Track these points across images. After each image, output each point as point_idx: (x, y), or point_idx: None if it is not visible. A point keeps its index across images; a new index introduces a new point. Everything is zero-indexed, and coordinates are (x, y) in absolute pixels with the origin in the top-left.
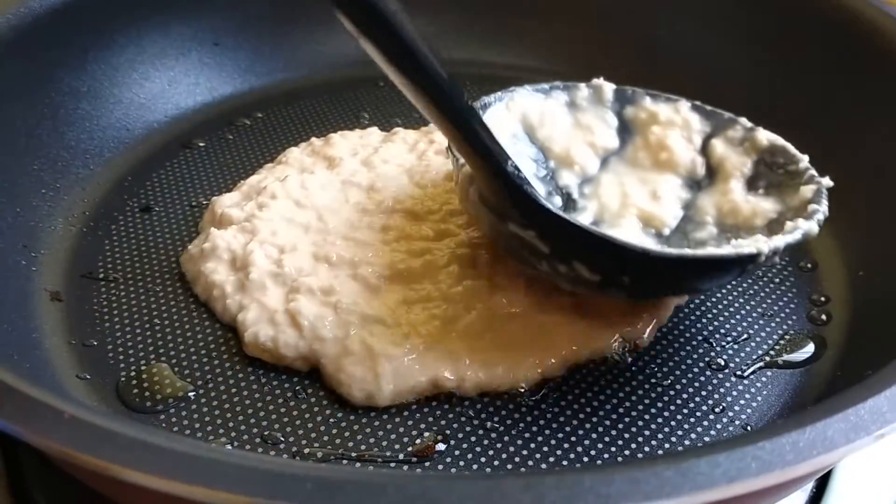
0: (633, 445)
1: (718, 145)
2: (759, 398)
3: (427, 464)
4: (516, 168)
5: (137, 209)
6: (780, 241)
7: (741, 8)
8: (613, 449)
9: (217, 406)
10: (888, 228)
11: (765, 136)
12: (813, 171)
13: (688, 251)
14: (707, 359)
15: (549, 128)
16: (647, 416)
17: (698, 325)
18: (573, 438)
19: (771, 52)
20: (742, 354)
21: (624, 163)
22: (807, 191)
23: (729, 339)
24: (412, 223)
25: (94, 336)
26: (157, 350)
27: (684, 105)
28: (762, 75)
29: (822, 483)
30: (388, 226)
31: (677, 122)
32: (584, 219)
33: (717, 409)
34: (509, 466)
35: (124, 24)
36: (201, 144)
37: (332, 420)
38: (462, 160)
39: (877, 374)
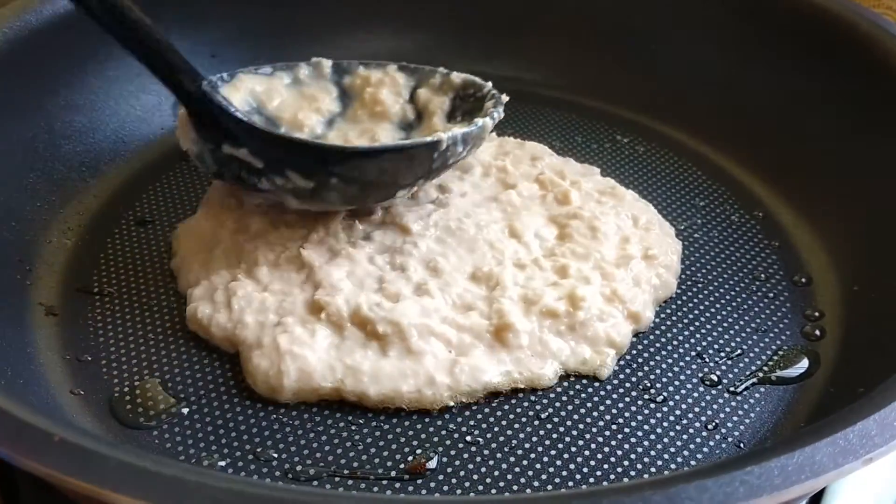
0: (626, 462)
1: (423, 93)
2: (753, 414)
3: (419, 481)
4: (212, 86)
5: (133, 222)
6: (457, 130)
7: (740, 22)
8: (606, 466)
9: (210, 423)
10: (883, 244)
11: (457, 76)
12: (494, 91)
13: (377, 144)
14: (700, 374)
15: (277, 100)
16: (640, 433)
17: (692, 341)
18: (566, 455)
19: (769, 65)
20: (735, 370)
21: (347, 121)
22: (488, 105)
23: (722, 354)
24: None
25: (88, 351)
26: (150, 366)
27: (392, 67)
28: (761, 89)
29: (817, 498)
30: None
31: (386, 82)
32: None
33: (709, 426)
34: (501, 484)
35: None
36: None
37: (324, 437)
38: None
39: (866, 395)
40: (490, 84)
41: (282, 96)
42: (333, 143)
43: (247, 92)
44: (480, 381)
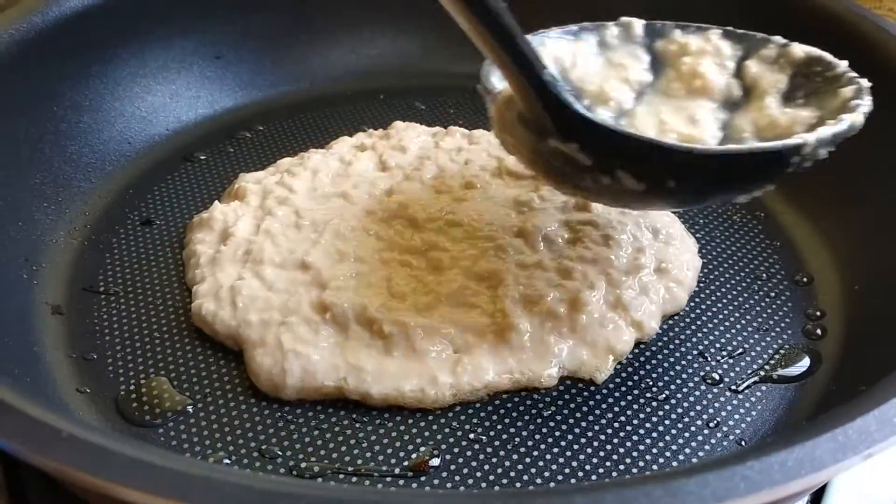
0: (628, 460)
1: (752, 66)
2: (754, 413)
3: (422, 478)
4: (553, 77)
5: (138, 222)
6: (824, 131)
7: (742, 23)
8: (608, 463)
9: (215, 420)
10: (884, 243)
11: (800, 49)
12: (852, 73)
13: (732, 146)
14: (702, 373)
15: (582, 68)
16: (641, 431)
17: (693, 340)
18: (568, 453)
19: None
20: (737, 369)
21: (658, 94)
22: (846, 91)
23: (724, 353)
24: (406, 231)
25: (94, 349)
26: (156, 364)
27: (715, 33)
28: None
29: (818, 494)
30: (380, 234)
31: (708, 51)
32: None
33: (711, 424)
34: (504, 481)
35: (126, 39)
36: (202, 157)
37: (328, 435)
38: (498, 88)
39: (866, 392)
40: (846, 63)
41: (587, 63)
42: (681, 144)
43: (550, 58)
44: (482, 381)
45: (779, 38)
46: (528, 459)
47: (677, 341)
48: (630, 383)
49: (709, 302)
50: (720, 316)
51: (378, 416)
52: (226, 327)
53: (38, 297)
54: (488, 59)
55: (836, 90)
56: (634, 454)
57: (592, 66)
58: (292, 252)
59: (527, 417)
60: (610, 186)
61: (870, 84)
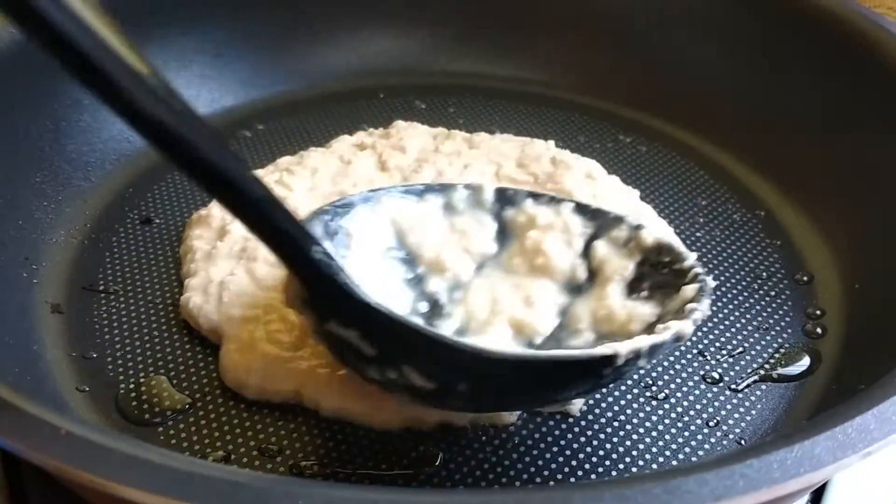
0: (627, 459)
1: (601, 247)
2: (754, 412)
3: (422, 477)
4: (327, 255)
5: (138, 221)
6: (643, 341)
7: (743, 21)
8: (608, 462)
9: (215, 419)
10: (884, 241)
11: (650, 235)
12: (699, 270)
13: (530, 352)
14: (702, 372)
15: (421, 233)
16: (641, 430)
17: (693, 339)
18: (567, 452)
19: (771, 67)
20: (737, 368)
21: (500, 268)
22: (689, 290)
23: (724, 352)
24: None
25: (93, 348)
26: (156, 362)
27: (567, 207)
28: (762, 89)
29: (819, 493)
30: None
31: (557, 226)
32: (449, 326)
33: (711, 423)
34: (504, 480)
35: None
36: None
37: (328, 433)
38: None
39: (866, 390)
40: (694, 257)
41: (427, 228)
42: (469, 343)
43: (388, 219)
44: (433, 415)
45: (631, 220)
46: (527, 458)
47: None
48: (629, 382)
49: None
50: (720, 315)
51: None
52: (208, 321)
53: (37, 296)
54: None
55: (679, 287)
56: (634, 453)
57: (433, 230)
58: None
59: (526, 416)
60: (397, 381)
61: (713, 284)
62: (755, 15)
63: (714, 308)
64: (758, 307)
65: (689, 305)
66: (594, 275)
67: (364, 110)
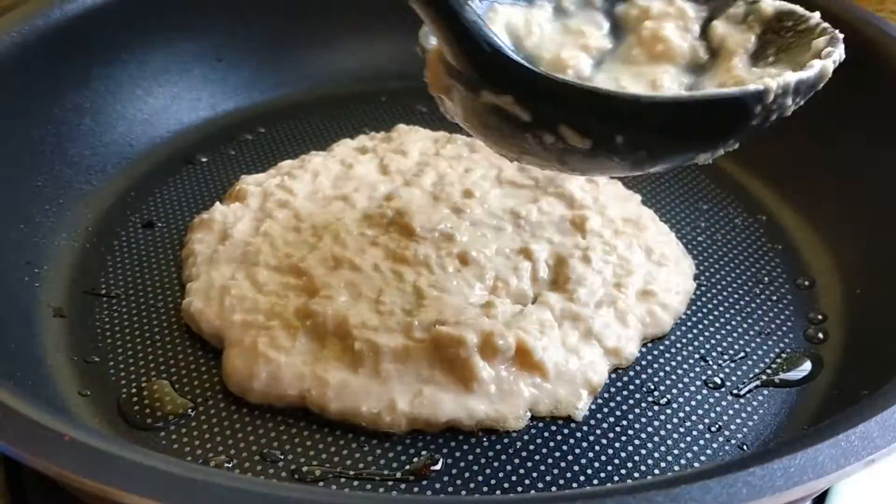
0: (630, 464)
1: (719, 26)
2: (756, 417)
3: (424, 483)
4: (478, 18)
5: (140, 225)
6: (789, 76)
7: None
8: (610, 468)
9: (217, 423)
10: (886, 246)
11: (769, 5)
12: (825, 25)
13: (683, 93)
14: (704, 377)
15: (537, 36)
16: (643, 435)
17: (695, 343)
18: (570, 458)
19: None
20: (739, 373)
21: (618, 61)
22: (819, 42)
23: (726, 357)
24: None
25: (95, 352)
26: (158, 367)
27: None
28: None
29: (821, 499)
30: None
31: (671, 13)
32: None
33: (713, 428)
34: (506, 486)
35: (127, 41)
36: (204, 160)
37: (329, 438)
38: (433, 46)
39: (869, 397)
40: (818, 15)
41: (542, 30)
42: (625, 92)
43: (502, 26)
44: (439, 417)
45: None
46: (529, 464)
47: (679, 345)
48: (631, 387)
49: (710, 305)
50: (721, 320)
51: None
52: (210, 326)
53: (39, 300)
54: None
55: (808, 43)
56: (636, 458)
57: (548, 34)
58: (289, 256)
59: (529, 421)
60: (554, 145)
61: (842, 35)
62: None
63: (715, 313)
64: (759, 312)
65: (826, 50)
66: (716, 53)
67: (365, 114)
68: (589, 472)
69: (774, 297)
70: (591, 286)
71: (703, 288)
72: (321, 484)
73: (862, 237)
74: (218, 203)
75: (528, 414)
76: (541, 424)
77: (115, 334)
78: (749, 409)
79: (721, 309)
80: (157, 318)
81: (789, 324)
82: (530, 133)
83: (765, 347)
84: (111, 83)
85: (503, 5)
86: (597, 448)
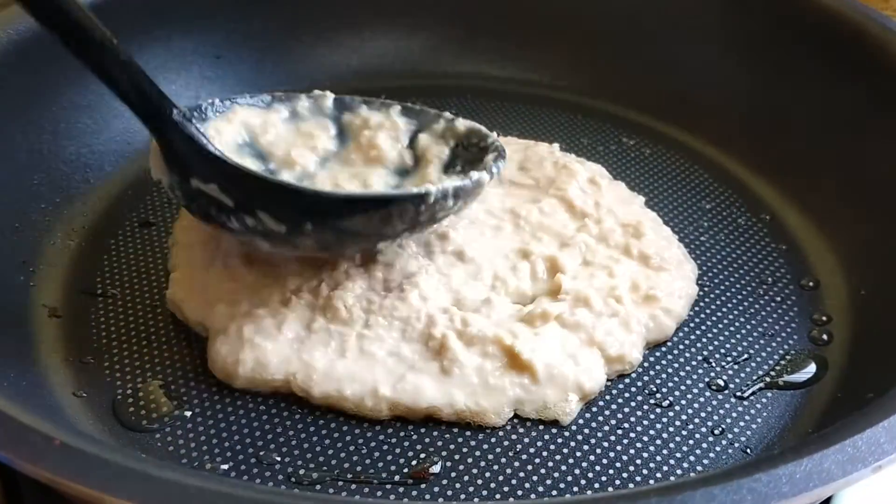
0: (632, 467)
1: (423, 138)
2: (760, 419)
3: (422, 486)
4: (185, 116)
5: (137, 224)
6: (448, 183)
7: (748, 24)
8: (611, 471)
9: (213, 426)
10: (891, 246)
11: (462, 124)
12: (498, 143)
13: (358, 191)
14: (707, 379)
15: (272, 135)
16: (645, 438)
17: (698, 345)
18: (570, 460)
19: (772, 69)
20: (742, 375)
21: (340, 163)
22: (489, 158)
23: (729, 359)
24: None
25: (91, 353)
26: (153, 368)
27: (395, 109)
28: (768, 92)
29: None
30: None
31: (386, 125)
32: None
33: (716, 431)
34: (505, 489)
35: (126, 38)
36: None
37: (327, 441)
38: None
39: (875, 402)
40: (495, 135)
41: (277, 130)
42: (307, 186)
43: (240, 124)
44: (420, 404)
45: (448, 115)
46: (529, 467)
47: (682, 346)
48: (634, 389)
49: (714, 306)
50: (725, 321)
51: (378, 422)
52: (194, 314)
53: (35, 300)
54: None
55: (484, 156)
56: (638, 461)
57: (282, 133)
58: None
59: (528, 424)
60: (255, 227)
61: (503, 149)
62: (761, 17)
63: (718, 314)
64: (763, 313)
65: (489, 165)
66: (418, 161)
67: None
68: (590, 475)
69: (778, 298)
70: (591, 291)
71: (706, 289)
72: (318, 487)
73: (866, 238)
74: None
75: (511, 412)
76: (541, 427)
77: (111, 335)
78: (753, 411)
79: (724, 310)
80: (154, 319)
81: (793, 325)
82: (234, 216)
83: (769, 349)
84: None
85: (242, 106)
86: (598, 451)
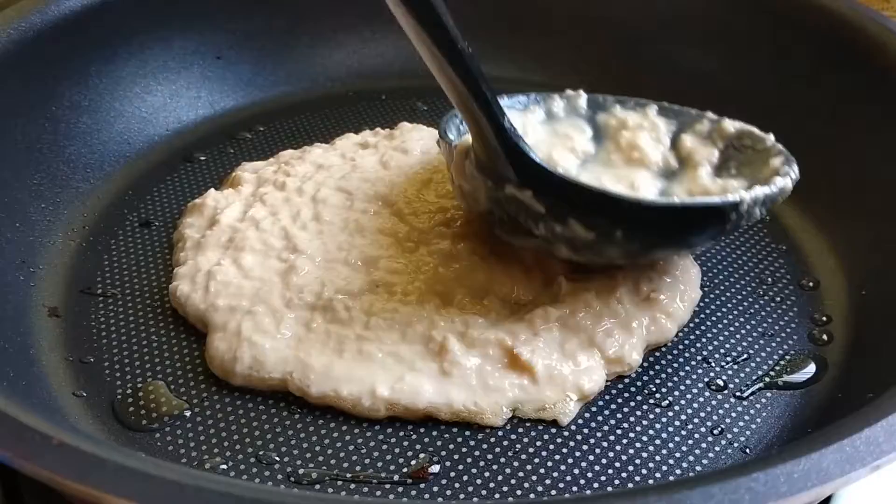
0: (631, 467)
1: (687, 140)
2: (759, 419)
3: (422, 486)
4: (513, 126)
5: (137, 224)
6: (759, 191)
7: (749, 26)
8: (610, 470)
9: (212, 425)
10: (891, 247)
11: (730, 125)
12: (779, 146)
13: (675, 199)
14: (706, 379)
15: (532, 136)
16: (644, 438)
17: (698, 345)
18: (570, 460)
19: (773, 70)
20: (742, 375)
21: (600, 164)
22: (775, 161)
23: (728, 359)
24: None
25: (91, 353)
26: (153, 368)
27: (652, 109)
28: (763, 92)
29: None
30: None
31: (645, 126)
32: None
33: (715, 431)
34: (504, 489)
35: (126, 38)
36: (202, 158)
37: (326, 441)
38: (455, 140)
39: (873, 402)
40: (772, 137)
41: (536, 132)
42: (629, 195)
43: None
44: (418, 405)
45: (711, 115)
46: (528, 466)
47: (681, 346)
48: (633, 389)
49: (713, 306)
50: (725, 321)
51: (377, 421)
52: (195, 310)
53: (35, 300)
54: (449, 113)
55: (766, 160)
56: (637, 461)
57: (541, 135)
58: (281, 226)
59: (527, 424)
60: (562, 234)
61: (788, 153)
62: (763, 20)
63: (718, 314)
64: (763, 313)
65: (783, 170)
66: (684, 163)
67: (366, 112)
68: (589, 475)
69: (778, 298)
70: (591, 293)
71: (706, 289)
72: (318, 487)
73: (867, 238)
74: (212, 189)
75: (509, 412)
76: (540, 427)
77: (111, 334)
78: (752, 411)
79: (724, 310)
80: (154, 319)
81: (793, 325)
82: (543, 223)
83: (768, 349)
84: (109, 81)
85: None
86: (597, 451)
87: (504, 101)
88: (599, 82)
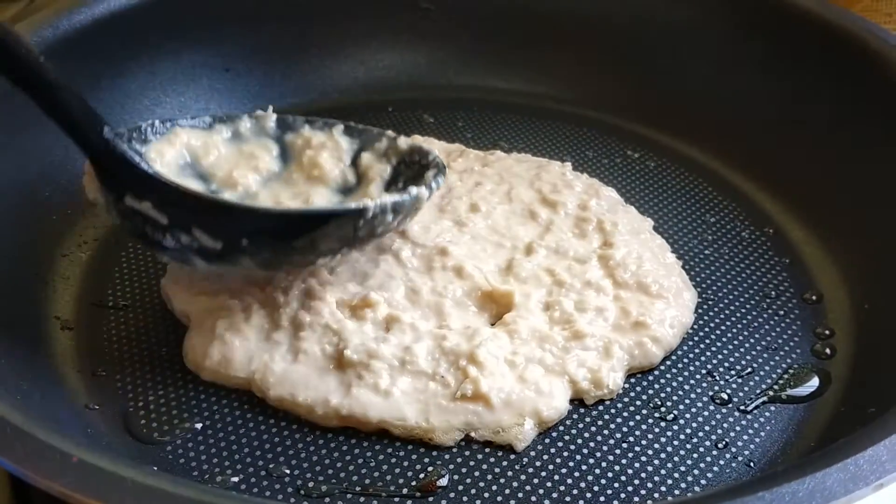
0: (636, 481)
1: (366, 157)
2: (763, 433)
3: (430, 499)
4: (117, 134)
5: None
6: (387, 199)
7: (752, 37)
8: (616, 484)
9: (223, 439)
10: (894, 261)
11: (404, 142)
12: (439, 159)
13: (293, 207)
14: (710, 393)
15: (214, 156)
16: (650, 451)
17: (702, 359)
18: (576, 474)
19: (776, 82)
20: (746, 388)
21: (281, 182)
22: (430, 173)
23: (732, 372)
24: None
25: (103, 365)
26: (165, 380)
27: (338, 128)
28: (772, 106)
29: None
30: None
31: (328, 145)
32: None
33: (719, 445)
34: (512, 502)
35: (136, 51)
36: None
37: (336, 454)
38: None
39: (877, 419)
40: (436, 151)
41: (219, 152)
42: (241, 202)
43: (182, 146)
44: (370, 418)
45: (390, 133)
46: (535, 480)
47: (685, 360)
48: (638, 403)
49: (717, 320)
50: (728, 334)
51: (386, 435)
52: (179, 305)
53: (47, 312)
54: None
55: (423, 173)
56: (643, 475)
57: (224, 154)
58: None
59: (535, 437)
60: (190, 245)
61: (444, 165)
62: (764, 31)
63: (722, 327)
64: (766, 327)
65: (431, 181)
66: (361, 179)
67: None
68: (596, 489)
69: (782, 312)
70: (574, 313)
71: (709, 302)
72: (327, 500)
73: (870, 251)
74: None
75: (461, 434)
76: (547, 441)
77: (123, 347)
78: (756, 425)
79: (728, 323)
80: (165, 331)
81: (796, 339)
82: (169, 233)
83: (772, 363)
84: (119, 93)
85: (184, 128)
86: (602, 465)
87: (187, 121)
88: (603, 94)
